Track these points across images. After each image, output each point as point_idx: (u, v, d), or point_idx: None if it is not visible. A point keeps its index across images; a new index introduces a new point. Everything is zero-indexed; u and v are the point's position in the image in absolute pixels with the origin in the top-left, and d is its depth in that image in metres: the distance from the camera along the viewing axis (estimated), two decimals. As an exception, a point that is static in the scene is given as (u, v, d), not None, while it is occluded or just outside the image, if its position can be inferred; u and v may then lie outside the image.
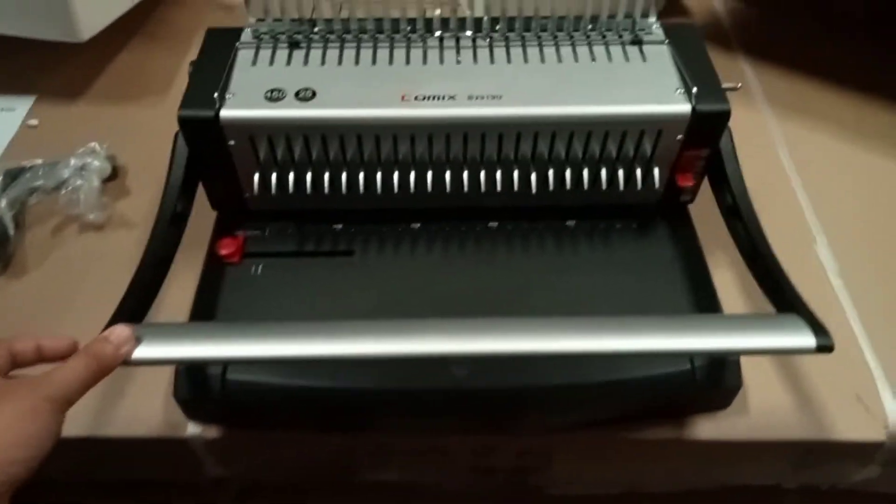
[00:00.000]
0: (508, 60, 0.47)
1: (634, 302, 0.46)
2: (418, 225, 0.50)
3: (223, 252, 0.47)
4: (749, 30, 0.73)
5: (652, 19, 0.48)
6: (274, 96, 0.44)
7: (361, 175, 0.46)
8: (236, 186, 0.47)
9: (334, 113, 0.43)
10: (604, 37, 0.48)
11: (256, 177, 0.46)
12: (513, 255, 0.48)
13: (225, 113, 0.43)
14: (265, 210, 0.49)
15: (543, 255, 0.48)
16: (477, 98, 0.44)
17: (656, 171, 0.46)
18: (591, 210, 0.50)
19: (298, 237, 0.49)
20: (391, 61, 0.46)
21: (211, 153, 0.45)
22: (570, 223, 0.50)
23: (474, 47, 0.48)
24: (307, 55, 0.47)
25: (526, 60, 0.47)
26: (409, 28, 0.48)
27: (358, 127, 0.44)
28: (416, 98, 0.44)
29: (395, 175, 0.46)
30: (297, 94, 0.44)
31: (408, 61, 0.46)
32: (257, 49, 0.47)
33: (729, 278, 0.50)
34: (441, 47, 0.47)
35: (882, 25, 0.71)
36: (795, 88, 0.67)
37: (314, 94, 0.44)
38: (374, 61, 0.46)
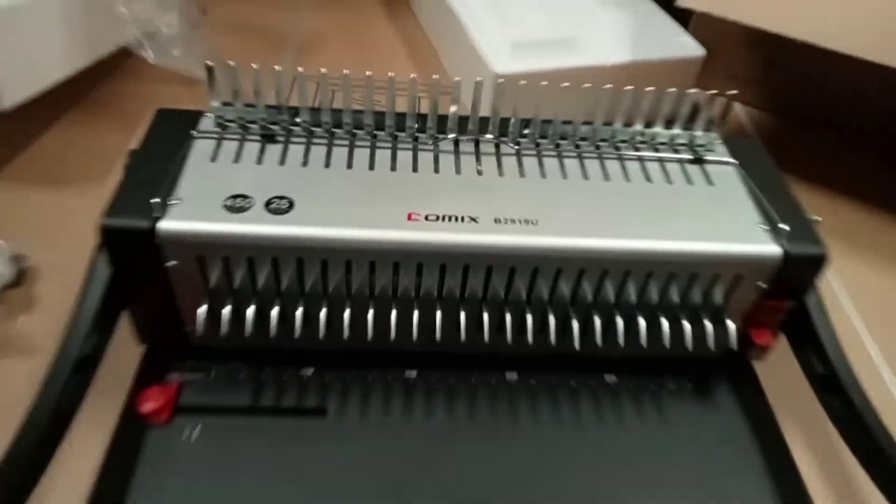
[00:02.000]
0: (542, 174, 0.37)
1: (702, 496, 0.35)
2: (414, 373, 0.38)
3: (146, 409, 0.34)
4: (776, 141, 0.66)
5: (714, 134, 0.40)
6: (237, 205, 0.33)
7: (347, 312, 0.34)
8: (174, 318, 0.35)
9: (317, 232, 0.32)
10: (656, 150, 0.39)
11: (203, 310, 0.34)
12: (538, 420, 0.37)
13: (166, 225, 0.31)
14: (211, 347, 0.37)
15: (578, 423, 0.37)
16: (506, 222, 0.34)
17: (728, 323, 0.36)
18: (635, 363, 0.39)
19: (253, 386, 0.37)
20: (394, 167, 0.36)
21: (143, 276, 0.33)
22: (610, 379, 0.39)
23: (498, 154, 0.38)
24: (284, 152, 0.36)
25: (564, 176, 0.37)
26: (416, 126, 0.38)
27: (348, 252, 0.33)
28: (426, 218, 0.33)
29: (393, 313, 0.34)
30: (268, 203, 0.33)
31: (415, 168, 0.36)
32: (220, 140, 0.36)
33: (809, 459, 0.39)
34: (457, 152, 0.37)
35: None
36: (838, 211, 0.59)
37: (291, 205, 0.33)
38: (371, 165, 0.36)
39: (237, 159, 0.35)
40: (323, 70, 0.35)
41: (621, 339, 0.35)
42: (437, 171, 0.36)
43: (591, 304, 0.35)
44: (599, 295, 0.35)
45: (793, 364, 0.39)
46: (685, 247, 0.34)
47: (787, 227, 0.34)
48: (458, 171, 0.36)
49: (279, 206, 0.33)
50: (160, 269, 0.32)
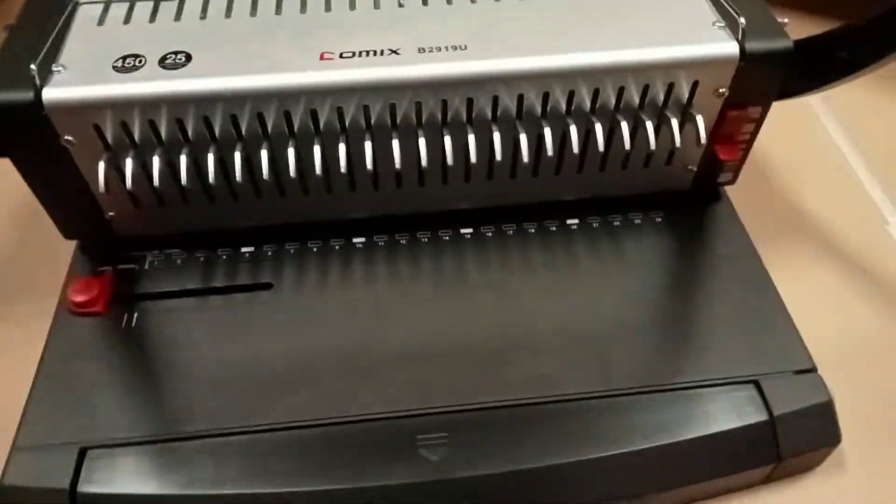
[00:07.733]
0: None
1: (680, 327, 0.33)
2: (361, 240, 0.36)
3: (77, 299, 0.32)
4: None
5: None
6: (128, 65, 0.29)
7: (265, 168, 0.31)
8: (89, 204, 0.32)
9: (217, 84, 0.29)
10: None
11: (101, 168, 0.30)
12: (496, 273, 0.35)
13: (51, 93, 0.28)
14: (141, 235, 0.35)
15: (538, 271, 0.35)
16: (431, 51, 0.30)
17: (687, 140, 0.33)
18: (599, 203, 0.37)
19: (191, 269, 0.35)
20: (304, 8, 0.32)
21: (40, 160, 0.30)
22: (572, 223, 0.37)
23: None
24: (180, 6, 0.32)
25: (493, -5, 0.33)
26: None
27: (257, 101, 0.29)
28: (341, 56, 0.30)
29: (317, 164, 0.31)
30: (162, 60, 0.30)
31: (328, 7, 0.32)
32: (107, 3, 0.33)
33: (789, 277, 0.36)
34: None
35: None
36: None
37: (188, 58, 0.30)
38: (278, 10, 0.32)
39: (127, 20, 0.32)
40: None
41: (575, 147, 0.32)
42: (353, 7, 0.32)
43: (539, 133, 0.32)
44: (546, 119, 0.32)
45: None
46: (630, 56, 0.30)
47: (743, 21, 0.30)
48: (376, 5, 0.32)
49: (175, 62, 0.29)
50: (56, 148, 0.30)
